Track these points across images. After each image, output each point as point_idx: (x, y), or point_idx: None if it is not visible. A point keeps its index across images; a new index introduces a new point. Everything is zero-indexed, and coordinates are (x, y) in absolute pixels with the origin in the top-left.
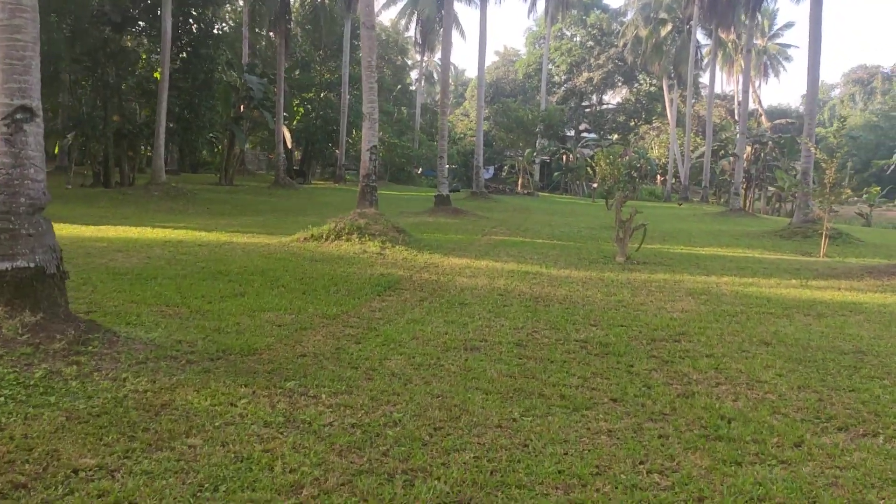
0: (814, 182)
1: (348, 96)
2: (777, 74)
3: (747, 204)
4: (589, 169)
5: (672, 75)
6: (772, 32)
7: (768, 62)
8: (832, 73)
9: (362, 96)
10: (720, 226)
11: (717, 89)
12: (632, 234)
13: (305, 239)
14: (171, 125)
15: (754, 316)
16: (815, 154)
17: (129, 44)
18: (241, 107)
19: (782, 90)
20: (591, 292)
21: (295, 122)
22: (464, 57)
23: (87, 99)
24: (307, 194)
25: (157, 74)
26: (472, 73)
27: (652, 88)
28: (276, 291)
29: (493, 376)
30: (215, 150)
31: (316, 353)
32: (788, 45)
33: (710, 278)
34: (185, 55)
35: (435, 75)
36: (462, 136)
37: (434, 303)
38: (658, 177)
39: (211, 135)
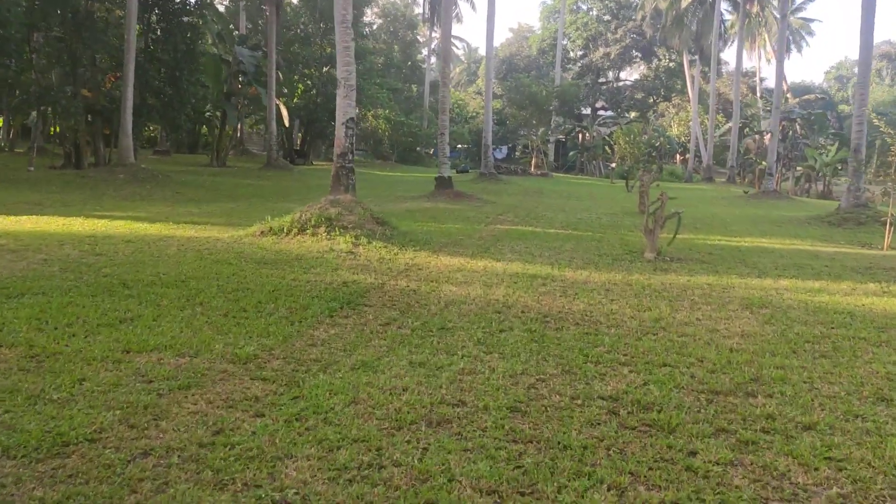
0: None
1: None
2: (799, 49)
3: (775, 184)
4: (607, 148)
5: (693, 50)
6: (794, 6)
7: (790, 37)
8: (856, 48)
9: (336, 59)
10: (755, 210)
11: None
12: (664, 223)
13: (262, 233)
14: (151, 101)
15: (843, 344)
16: (882, 128)
17: (101, 12)
18: (238, 83)
19: (804, 66)
20: (618, 306)
21: (295, 100)
22: (477, 34)
23: (56, 73)
24: (300, 176)
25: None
26: (484, 51)
27: (671, 64)
28: (185, 314)
29: (461, 498)
30: (214, 129)
31: (171, 447)
32: (811, 20)
33: (764, 282)
34: (164, 24)
35: None
36: (475, 114)
37: (404, 327)
38: (677, 156)
39: (208, 113)
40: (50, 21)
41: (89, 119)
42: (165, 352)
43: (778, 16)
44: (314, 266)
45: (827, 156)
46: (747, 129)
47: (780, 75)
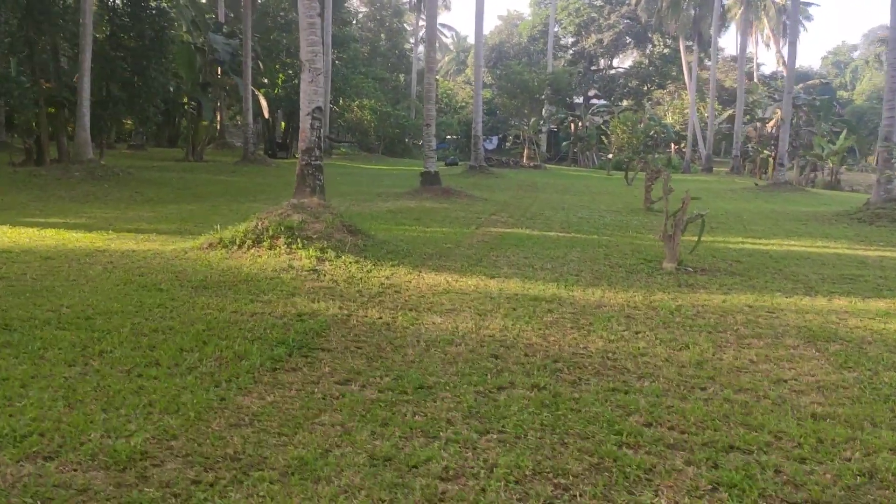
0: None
1: (331, 58)
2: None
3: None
4: (603, 138)
5: (690, 35)
6: None
7: (787, 21)
8: (853, 33)
9: (299, 40)
10: (770, 204)
11: (735, 51)
12: (685, 227)
13: (211, 245)
14: (117, 92)
15: None
16: None
17: None
18: (218, 72)
19: (801, 52)
20: (645, 342)
21: (277, 91)
22: (466, 21)
23: (15, 62)
24: (277, 171)
25: (99, 33)
26: (473, 40)
27: (666, 51)
28: (72, 373)
29: None
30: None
31: None
32: (809, 3)
33: (816, 301)
34: (130, 9)
35: (436, 42)
36: (464, 104)
37: (369, 387)
38: (672, 145)
39: (190, 105)
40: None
41: (52, 112)
42: (9, 448)
43: (777, 0)
44: (266, 290)
45: (834, 143)
46: (748, 117)
47: (793, 57)
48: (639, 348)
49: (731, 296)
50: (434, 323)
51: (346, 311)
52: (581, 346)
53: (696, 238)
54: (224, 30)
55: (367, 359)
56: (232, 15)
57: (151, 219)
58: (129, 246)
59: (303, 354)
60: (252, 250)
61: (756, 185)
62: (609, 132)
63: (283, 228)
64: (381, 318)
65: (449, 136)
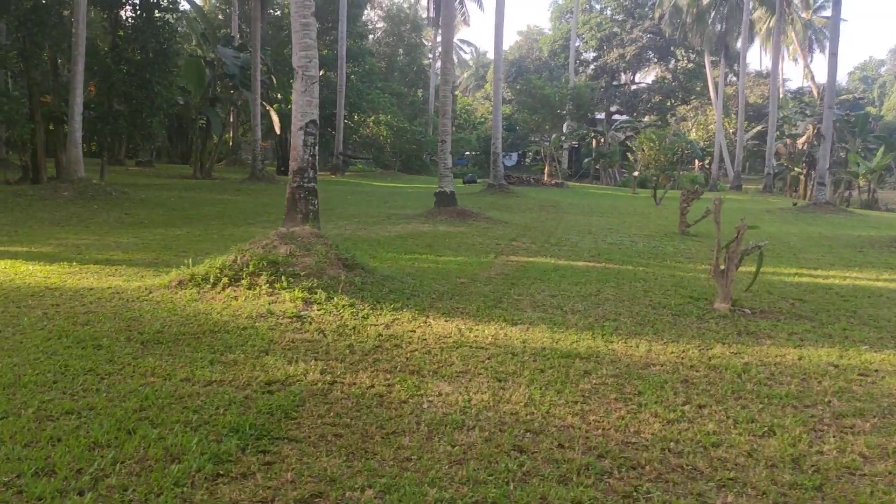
0: None
1: (345, 72)
2: (822, 50)
3: (808, 192)
4: (629, 154)
5: (717, 48)
6: (817, 4)
7: (813, 37)
8: (879, 48)
9: (292, 46)
10: (814, 227)
11: (759, 66)
12: (740, 261)
13: (181, 283)
14: (119, 107)
15: None
16: None
17: (53, 5)
18: (227, 88)
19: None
20: (716, 423)
21: (289, 106)
22: (485, 37)
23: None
24: (284, 191)
25: (104, 45)
26: (493, 55)
27: (690, 65)
28: None
29: None
30: (197, 138)
31: None
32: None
33: None
34: (134, 20)
35: (455, 57)
36: (482, 120)
37: None
38: (696, 162)
39: (202, 121)
40: None
41: (51, 128)
42: None
43: (802, 15)
44: (233, 346)
45: (869, 161)
46: (777, 133)
47: (833, 68)
48: (708, 434)
49: (806, 349)
50: (441, 394)
51: (329, 377)
52: (631, 429)
53: (748, 266)
54: (235, 44)
55: (346, 455)
56: (248, 30)
57: (129, 246)
58: (88, 282)
59: (260, 449)
60: (228, 290)
61: (794, 204)
62: (634, 149)
63: (265, 264)
64: (372, 386)
65: (467, 153)
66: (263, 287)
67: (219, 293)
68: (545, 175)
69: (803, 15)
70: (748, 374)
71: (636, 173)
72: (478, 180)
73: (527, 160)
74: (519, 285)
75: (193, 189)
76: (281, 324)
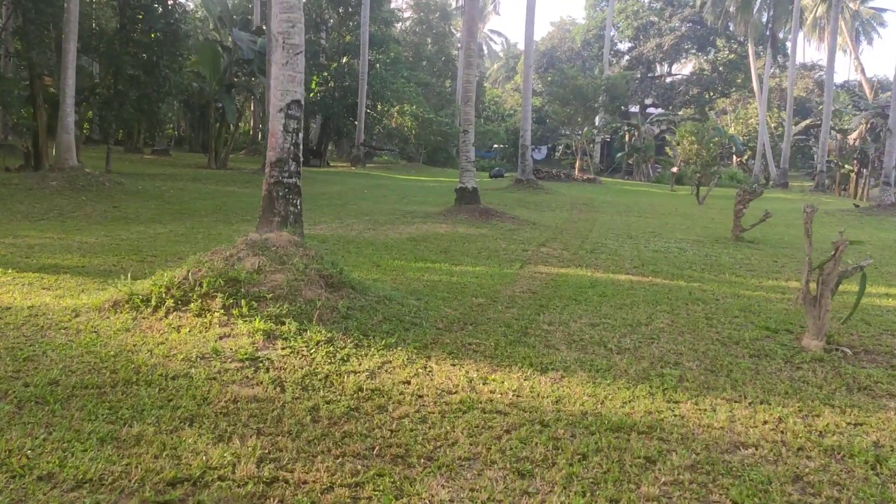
0: None
1: (368, 59)
2: (870, 42)
3: (860, 193)
4: (667, 149)
5: (764, 37)
6: None
7: (860, 28)
8: None
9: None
10: (886, 233)
11: (802, 58)
12: (837, 286)
13: (115, 304)
14: (121, 87)
15: None
16: None
17: None
18: (245, 74)
19: (875, 59)
20: None
21: (311, 94)
22: (516, 28)
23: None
24: None
25: (109, 27)
26: (523, 45)
27: (731, 56)
28: None
29: None
30: (215, 125)
31: None
32: (883, 10)
33: None
34: (142, 0)
35: (485, 48)
36: (511, 112)
37: None
38: (734, 157)
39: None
40: None
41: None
42: None
43: (850, 5)
44: (148, 408)
45: None
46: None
47: None
48: None
49: None
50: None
51: (268, 471)
52: None
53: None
54: (252, 27)
55: None
56: (270, 13)
57: (93, 247)
58: (8, 298)
59: None
60: (171, 316)
61: (856, 206)
62: (673, 143)
63: (224, 281)
64: (331, 488)
65: (496, 146)
66: (216, 314)
67: (159, 320)
68: (576, 170)
69: (851, 6)
70: (887, 466)
71: (675, 169)
72: (505, 174)
73: (556, 154)
74: (549, 308)
75: (200, 180)
76: (227, 370)
